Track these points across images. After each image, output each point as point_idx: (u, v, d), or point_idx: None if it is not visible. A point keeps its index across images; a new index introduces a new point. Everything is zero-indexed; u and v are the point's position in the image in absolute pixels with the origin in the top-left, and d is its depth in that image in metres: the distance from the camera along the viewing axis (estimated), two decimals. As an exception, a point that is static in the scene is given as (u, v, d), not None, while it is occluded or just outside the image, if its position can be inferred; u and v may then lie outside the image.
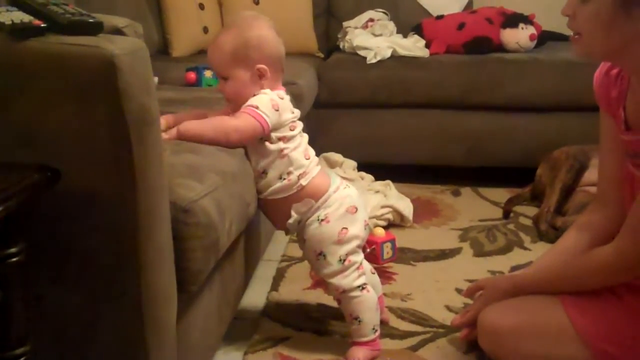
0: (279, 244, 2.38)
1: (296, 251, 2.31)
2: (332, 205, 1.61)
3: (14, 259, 0.98)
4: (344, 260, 1.60)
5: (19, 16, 1.04)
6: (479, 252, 2.36)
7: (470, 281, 2.03)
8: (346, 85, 3.07)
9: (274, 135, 1.56)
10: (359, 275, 1.63)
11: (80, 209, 1.08)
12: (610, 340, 1.47)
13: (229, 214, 1.36)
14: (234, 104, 1.59)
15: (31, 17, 1.05)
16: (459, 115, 3.08)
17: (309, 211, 1.61)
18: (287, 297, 2.00)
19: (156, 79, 2.43)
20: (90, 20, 1.07)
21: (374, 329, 1.66)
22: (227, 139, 1.51)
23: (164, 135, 1.45)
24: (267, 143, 1.56)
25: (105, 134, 1.04)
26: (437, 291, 2.04)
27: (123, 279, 1.12)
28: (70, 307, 1.14)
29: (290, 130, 1.59)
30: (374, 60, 3.06)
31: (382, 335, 1.75)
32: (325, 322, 1.85)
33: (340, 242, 1.60)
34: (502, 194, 2.92)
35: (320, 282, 2.03)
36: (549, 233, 2.44)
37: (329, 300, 1.93)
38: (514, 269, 2.18)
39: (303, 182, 1.59)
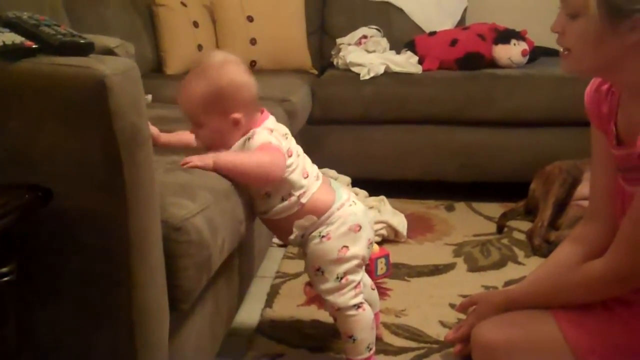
0: (273, 261, 2.38)
1: (290, 267, 2.32)
2: (335, 222, 1.60)
3: (5, 279, 0.98)
4: (342, 279, 1.60)
5: (10, 37, 1.05)
6: (473, 267, 2.36)
7: (465, 296, 2.03)
8: (340, 101, 3.08)
9: None
10: (356, 295, 1.62)
11: (72, 229, 1.08)
12: (602, 354, 1.47)
13: (221, 231, 1.36)
14: (208, 150, 1.56)
15: (22, 38, 1.05)
16: (452, 131, 3.09)
17: (311, 226, 1.60)
18: (282, 313, 2.00)
19: (150, 97, 2.44)
20: (82, 41, 1.08)
21: (368, 347, 1.65)
22: (268, 176, 1.52)
23: (197, 162, 1.46)
24: None
25: (96, 153, 1.04)
26: (432, 306, 2.04)
27: (115, 298, 1.12)
28: (62, 326, 1.14)
29: (289, 156, 1.56)
30: (367, 77, 3.08)
31: (377, 352, 1.74)
32: (319, 338, 1.85)
33: (339, 260, 1.59)
34: (495, 209, 2.93)
35: (315, 299, 2.03)
36: (543, 247, 2.44)
37: (324, 317, 1.93)
38: (507, 283, 2.19)
39: (303, 200, 1.58)
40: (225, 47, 3.41)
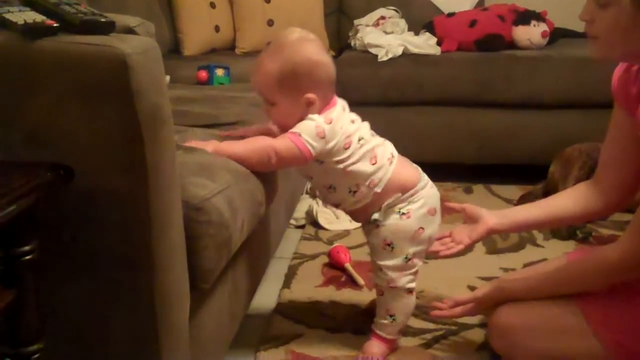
0: (290, 242, 2.38)
1: (308, 249, 2.32)
2: (418, 201, 1.58)
3: (27, 257, 0.98)
4: (409, 259, 1.60)
5: (31, 16, 1.05)
6: (492, 250, 2.35)
7: (483, 278, 2.03)
8: (357, 83, 3.06)
9: (330, 160, 1.52)
10: (413, 280, 1.64)
11: (93, 208, 1.08)
12: (623, 331, 1.47)
13: (240, 212, 1.36)
14: (280, 129, 1.55)
15: (43, 17, 1.05)
16: (470, 113, 3.07)
17: (393, 202, 1.58)
18: (299, 294, 2.00)
19: (168, 78, 2.44)
20: (103, 20, 1.07)
21: (401, 330, 1.68)
22: (268, 164, 1.49)
23: (208, 148, 1.44)
24: (325, 164, 1.53)
25: (117, 133, 1.04)
26: (450, 288, 2.03)
27: (135, 277, 1.13)
28: (83, 306, 1.15)
29: (345, 149, 1.51)
30: (385, 58, 3.06)
31: (394, 333, 1.75)
32: (337, 319, 1.85)
33: (413, 240, 1.59)
34: (514, 191, 2.91)
35: (332, 279, 2.03)
36: (562, 230, 2.43)
37: (341, 297, 1.93)
38: (526, 266, 2.18)
39: (377, 189, 1.56)
40: (242, 28, 3.40)
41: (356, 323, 1.81)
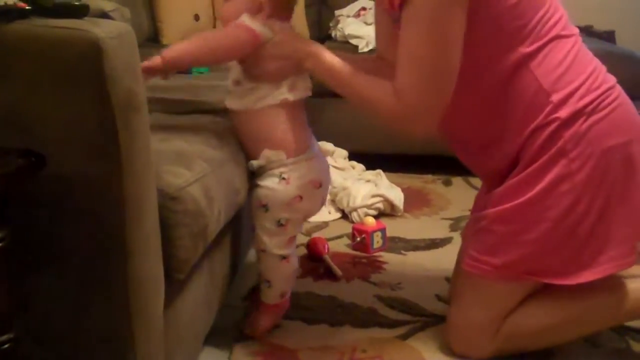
0: (269, 233, 2.36)
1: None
2: (300, 170, 1.57)
3: (-3, 245, 0.96)
4: (282, 225, 1.59)
5: (2, -2, 1.03)
6: (470, 242, 2.35)
7: (461, 271, 2.02)
8: (337, 74, 3.04)
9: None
10: (286, 246, 1.62)
11: (65, 195, 1.07)
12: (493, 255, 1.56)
13: (217, 201, 1.35)
14: (226, 24, 1.58)
15: (15, 0, 1.03)
16: (450, 105, 3.06)
17: (275, 162, 1.57)
18: (277, 285, 1.99)
19: (145, 66, 2.42)
20: (76, 3, 1.06)
21: (282, 294, 1.68)
22: (217, 52, 1.52)
23: (146, 64, 1.42)
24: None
25: (91, 118, 1.02)
26: (427, 280, 2.03)
27: (109, 267, 1.11)
28: (55, 295, 1.13)
29: None
30: (365, 49, 3.05)
31: (372, 324, 1.75)
32: (314, 310, 1.84)
33: (289, 206, 1.58)
34: (493, 184, 2.91)
35: (310, 271, 2.02)
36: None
37: (318, 289, 1.93)
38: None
39: (290, 96, 1.56)
40: (223, 17, 3.38)
41: (333, 314, 1.81)
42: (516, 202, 1.51)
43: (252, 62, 1.55)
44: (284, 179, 1.57)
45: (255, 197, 1.60)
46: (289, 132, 1.57)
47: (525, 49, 1.47)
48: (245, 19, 1.53)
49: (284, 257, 1.63)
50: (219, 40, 1.54)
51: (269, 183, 1.57)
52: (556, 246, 1.51)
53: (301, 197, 1.58)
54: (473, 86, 1.52)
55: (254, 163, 1.58)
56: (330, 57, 1.56)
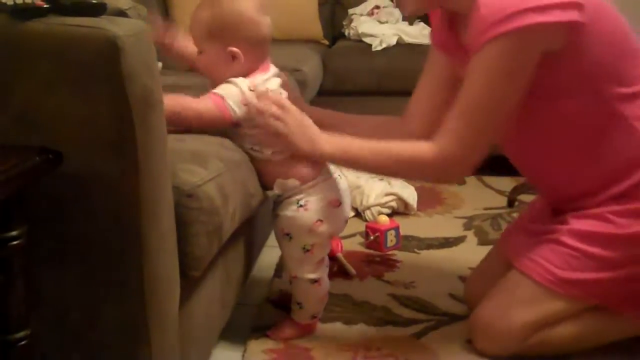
0: (282, 231, 2.36)
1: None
2: (316, 194, 1.57)
3: (15, 242, 0.97)
4: (308, 251, 1.59)
5: (21, -3, 1.03)
6: (484, 241, 2.34)
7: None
8: (351, 72, 3.05)
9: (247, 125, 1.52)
10: (316, 269, 1.62)
11: (82, 192, 1.07)
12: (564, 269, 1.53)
13: (232, 200, 1.35)
14: (206, 76, 1.57)
15: (33, -2, 1.04)
16: (464, 104, 3.05)
17: (291, 190, 1.57)
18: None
19: (160, 64, 2.42)
20: (94, 2, 1.06)
21: (313, 315, 1.68)
22: (188, 123, 1.46)
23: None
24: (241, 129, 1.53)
25: (108, 116, 1.03)
26: (441, 279, 2.03)
27: (125, 264, 1.11)
28: (71, 292, 1.14)
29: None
30: (379, 48, 3.05)
31: (385, 323, 1.75)
32: (327, 309, 1.83)
33: (311, 232, 1.57)
34: (507, 183, 2.90)
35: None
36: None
37: (332, 288, 1.92)
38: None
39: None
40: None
41: (347, 313, 1.80)
42: (615, 232, 1.51)
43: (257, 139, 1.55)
44: (301, 205, 1.56)
45: (277, 227, 1.61)
46: (297, 163, 1.56)
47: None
48: (229, 98, 1.48)
49: (315, 281, 1.63)
50: (198, 113, 1.46)
51: (288, 212, 1.57)
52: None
53: (322, 221, 1.57)
54: (565, 134, 1.53)
55: (270, 193, 1.59)
56: (342, 146, 1.53)
